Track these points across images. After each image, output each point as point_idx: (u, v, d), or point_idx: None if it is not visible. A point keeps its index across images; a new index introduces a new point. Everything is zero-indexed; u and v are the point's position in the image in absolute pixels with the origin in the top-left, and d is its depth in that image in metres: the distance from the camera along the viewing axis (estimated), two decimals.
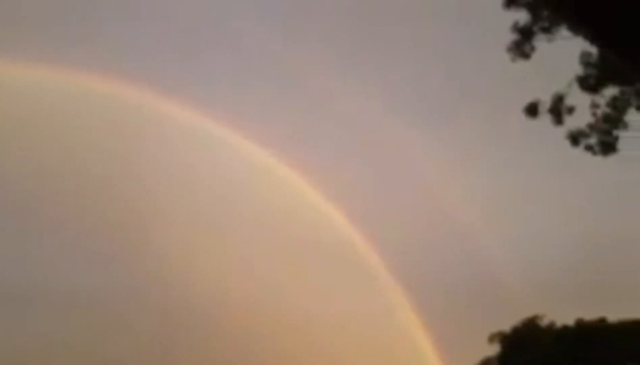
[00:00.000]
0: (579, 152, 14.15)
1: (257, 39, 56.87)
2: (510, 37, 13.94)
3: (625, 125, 13.44)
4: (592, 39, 4.33)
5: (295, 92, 59.89)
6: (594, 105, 13.96)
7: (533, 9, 13.42)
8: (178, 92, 53.20)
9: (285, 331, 53.30)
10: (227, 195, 57.93)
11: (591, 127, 13.52)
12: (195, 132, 54.38)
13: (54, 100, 51.47)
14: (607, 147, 13.51)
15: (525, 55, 14.01)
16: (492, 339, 40.66)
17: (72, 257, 55.04)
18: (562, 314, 38.86)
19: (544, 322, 40.02)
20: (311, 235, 57.23)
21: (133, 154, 56.39)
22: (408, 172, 58.27)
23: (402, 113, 57.70)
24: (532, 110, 14.30)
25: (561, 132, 14.18)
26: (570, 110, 14.08)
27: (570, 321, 38.05)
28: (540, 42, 13.84)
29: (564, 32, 12.77)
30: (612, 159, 14.05)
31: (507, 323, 40.65)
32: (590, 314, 37.21)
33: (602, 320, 36.96)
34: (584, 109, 14.21)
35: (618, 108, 13.42)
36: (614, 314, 36.84)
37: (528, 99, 14.77)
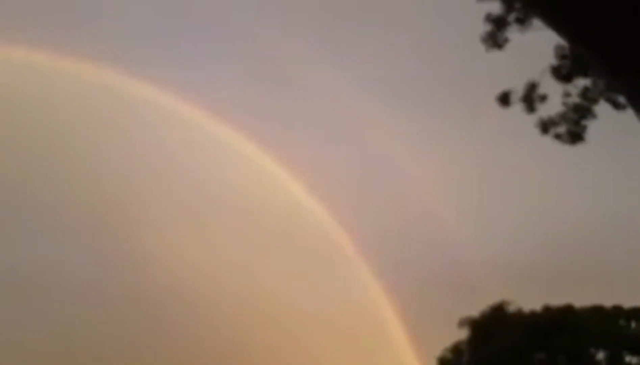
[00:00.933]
0: (549, 141, 14.41)
1: (237, 25, 56.63)
2: (484, 27, 14.05)
3: (594, 116, 13.69)
4: (561, 32, 4.46)
5: (272, 77, 59.73)
6: (566, 95, 14.17)
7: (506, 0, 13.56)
8: (157, 77, 52.84)
9: (262, 322, 53.42)
10: (207, 184, 57.71)
11: (561, 116, 13.74)
12: (175, 118, 54.08)
13: (28, 83, 50.81)
14: (575, 136, 13.75)
15: (499, 46, 14.14)
16: (461, 324, 41.15)
17: (52, 245, 54.60)
18: (529, 300, 39.55)
19: (512, 308, 40.61)
20: (286, 225, 57.30)
21: (112, 141, 55.91)
22: (383, 161, 58.50)
23: (379, 103, 57.85)
24: (504, 99, 14.47)
25: (532, 121, 14.41)
26: (543, 98, 14.26)
27: (537, 307, 38.71)
28: (514, 33, 13.98)
29: (537, 23, 12.94)
30: (580, 147, 14.31)
31: (476, 309, 41.27)
32: (556, 301, 37.92)
33: (569, 307, 37.58)
34: (557, 98, 14.43)
35: (588, 98, 13.66)
36: (580, 301, 37.61)
37: (502, 88, 14.96)
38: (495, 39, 14.03)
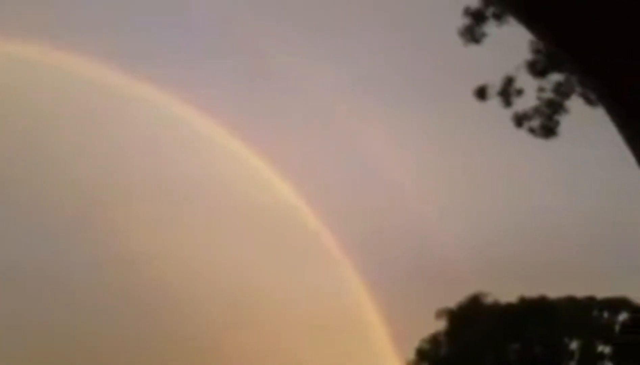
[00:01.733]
0: (524, 135, 14.61)
1: (226, 21, 56.27)
2: (463, 21, 14.14)
3: (565, 111, 13.90)
4: (532, 30, 4.57)
5: (261, 74, 59.51)
6: (540, 90, 14.36)
7: None
8: (148, 73, 52.39)
9: (248, 320, 53.40)
10: (197, 182, 57.37)
11: (535, 110, 13.94)
12: (166, 115, 53.72)
13: (20, 76, 50.15)
14: (548, 130, 13.97)
15: (476, 40, 14.24)
16: (439, 315, 41.51)
17: (30, 235, 54.05)
18: (505, 292, 39.99)
19: (488, 300, 41.05)
20: (272, 222, 57.23)
21: (102, 137, 55.39)
22: (360, 149, 58.52)
23: (364, 100, 57.88)
24: (481, 93, 14.63)
25: (508, 114, 14.59)
26: (519, 92, 14.44)
27: (512, 298, 39.17)
28: (492, 28, 14.09)
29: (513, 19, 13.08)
30: (555, 141, 14.53)
31: (453, 300, 41.63)
32: (531, 292, 38.38)
33: (543, 298, 38.05)
34: (533, 92, 14.61)
35: (561, 94, 13.86)
36: (554, 292, 38.10)
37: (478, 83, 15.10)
38: (472, 33, 14.11)
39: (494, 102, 14.65)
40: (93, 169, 55.29)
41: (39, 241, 54.24)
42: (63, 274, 53.05)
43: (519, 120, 13.98)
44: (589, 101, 12.94)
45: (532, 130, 13.95)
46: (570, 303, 37.53)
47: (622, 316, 37.25)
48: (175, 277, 54.28)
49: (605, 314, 37.68)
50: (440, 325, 41.80)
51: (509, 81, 14.26)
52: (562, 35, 4.09)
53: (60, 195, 55.56)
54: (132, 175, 56.32)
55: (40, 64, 50.07)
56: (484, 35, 14.13)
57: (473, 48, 14.38)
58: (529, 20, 4.64)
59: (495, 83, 14.47)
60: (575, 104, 14.26)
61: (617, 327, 37.14)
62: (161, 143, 57.04)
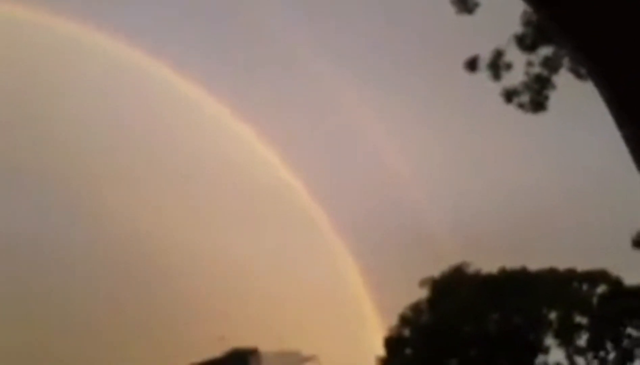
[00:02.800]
0: (512, 109, 14.48)
1: None
2: None
3: (554, 86, 13.77)
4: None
5: (251, 51, 58.85)
6: (529, 64, 14.20)
7: None
8: (141, 41, 51.61)
9: (224, 279, 53.52)
10: (190, 157, 56.99)
11: (524, 85, 13.80)
12: (142, 74, 52.98)
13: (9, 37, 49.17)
14: (537, 105, 13.85)
15: (469, 10, 13.93)
16: (422, 283, 41.83)
17: (26, 206, 53.57)
18: (486, 263, 40.33)
19: (470, 270, 41.39)
20: (251, 185, 57.14)
21: (95, 103, 54.65)
22: (352, 130, 58.43)
23: (350, 74, 57.44)
24: (471, 64, 14.43)
25: (497, 89, 14.43)
26: (509, 66, 14.25)
27: (494, 269, 39.49)
28: None
29: None
30: (541, 116, 14.43)
31: (436, 270, 41.95)
32: (512, 263, 38.70)
33: (523, 269, 38.37)
34: (522, 66, 14.43)
35: (550, 68, 13.72)
36: (534, 264, 38.42)
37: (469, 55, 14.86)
38: (465, 2, 13.78)
39: (483, 79, 14.47)
40: (93, 141, 54.80)
41: (35, 212, 53.93)
42: (59, 245, 52.86)
43: (509, 95, 13.84)
44: (579, 75, 12.81)
45: (521, 106, 13.83)
46: (551, 275, 37.89)
47: (601, 289, 37.71)
48: (171, 251, 54.23)
49: (585, 287, 38.12)
50: (423, 293, 42.27)
51: (498, 54, 14.07)
52: (558, 7, 3.93)
53: (59, 167, 55.11)
54: (132, 149, 55.93)
55: (43, 29, 49.22)
56: (476, 5, 13.82)
57: (465, 23, 14.14)
58: None
59: (485, 56, 14.27)
60: (565, 78, 14.15)
61: (595, 300, 37.63)
62: (163, 118, 56.61)
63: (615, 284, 37.14)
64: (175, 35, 57.99)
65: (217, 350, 39.32)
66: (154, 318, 51.17)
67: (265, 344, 38.31)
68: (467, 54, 14.57)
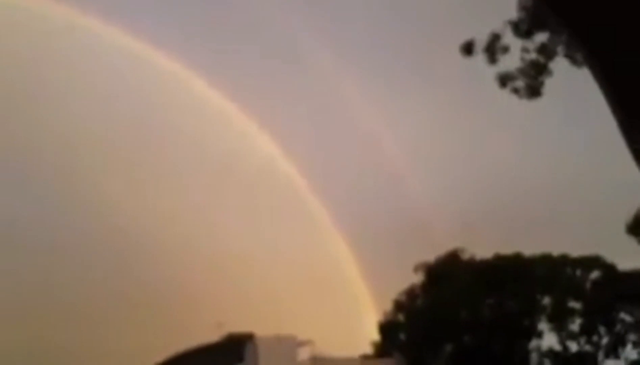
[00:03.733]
0: (507, 97, 14.29)
1: None
2: None
3: (550, 72, 13.59)
4: None
5: (244, 29, 58.41)
6: (525, 50, 14.01)
7: None
8: (131, 21, 51.14)
9: (222, 266, 53.44)
10: (183, 140, 56.66)
11: (519, 71, 13.62)
12: (141, 64, 52.60)
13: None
14: (533, 91, 13.67)
15: None
16: (417, 269, 41.85)
17: (12, 186, 53.17)
18: (481, 249, 40.32)
19: (465, 256, 41.41)
20: (248, 174, 56.93)
21: (73, 86, 54.18)
22: (343, 110, 58.12)
23: (343, 59, 57.07)
24: (467, 48, 14.22)
25: (491, 72, 14.22)
26: (505, 50, 14.04)
27: (488, 255, 39.50)
28: None
29: None
30: (536, 103, 14.26)
31: (431, 255, 41.94)
32: (506, 249, 38.69)
33: (517, 255, 38.40)
34: (518, 52, 14.22)
35: (546, 54, 13.54)
36: (528, 250, 38.44)
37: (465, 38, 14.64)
38: None
39: (477, 62, 14.27)
40: (91, 130, 54.42)
41: (33, 202, 53.60)
42: (57, 234, 52.62)
43: (503, 80, 13.64)
44: (575, 62, 12.63)
45: (516, 91, 13.64)
46: (545, 261, 37.91)
47: (594, 274, 37.76)
48: (168, 240, 54.02)
49: (578, 272, 38.16)
50: (418, 279, 42.30)
51: (495, 38, 13.87)
52: None
53: (57, 157, 54.77)
54: (131, 139, 55.57)
55: (39, 16, 48.67)
56: None
57: (461, 8, 13.95)
58: None
59: (482, 40, 14.06)
60: (560, 65, 13.97)
61: (588, 285, 37.70)
62: (162, 108, 56.19)
63: (608, 269, 37.17)
64: (176, 25, 57.49)
65: (214, 336, 39.35)
66: (151, 304, 51.15)
67: (261, 330, 38.29)
68: (463, 39, 14.37)
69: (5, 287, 48.49)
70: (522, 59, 13.54)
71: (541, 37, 13.66)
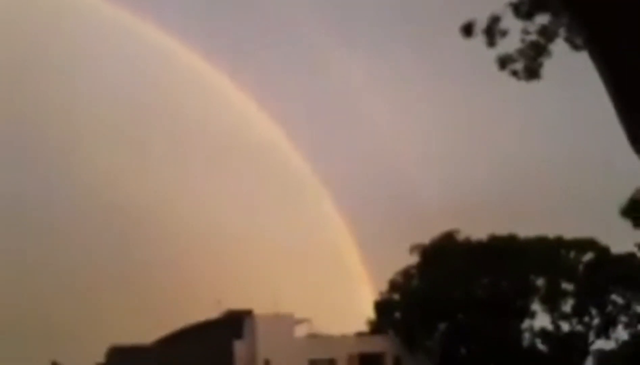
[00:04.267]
0: (505, 80, 14.27)
1: None
2: None
3: (549, 54, 13.56)
4: None
5: (239, 5, 58.06)
6: (525, 32, 13.98)
7: None
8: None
9: (218, 242, 53.53)
10: (159, 104, 56.43)
11: (519, 52, 13.58)
12: (134, 37, 52.29)
13: None
14: (532, 73, 13.63)
15: None
16: (412, 250, 42.00)
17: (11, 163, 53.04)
18: (476, 230, 40.46)
19: (460, 237, 41.55)
20: (237, 142, 56.87)
21: (72, 60, 53.91)
22: (346, 93, 58.00)
23: (342, 32, 56.84)
24: (467, 29, 14.17)
25: (490, 60, 14.21)
26: (504, 33, 14.00)
27: (483, 236, 39.66)
28: None
29: None
30: (533, 86, 14.25)
31: (427, 236, 42.09)
32: (501, 231, 38.79)
33: (512, 236, 38.53)
34: (518, 33, 14.18)
35: (546, 36, 13.51)
36: (523, 231, 38.57)
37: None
38: None
39: (476, 46, 14.23)
40: (79, 100, 54.21)
41: (23, 170, 53.52)
42: (54, 208, 52.64)
43: (503, 62, 13.61)
44: (574, 45, 12.63)
45: (515, 73, 13.61)
46: (539, 242, 38.04)
47: (588, 256, 37.96)
48: (168, 216, 54.11)
49: (572, 254, 38.34)
50: (413, 260, 42.49)
51: (494, 20, 13.82)
52: None
53: (53, 130, 54.60)
54: (125, 111, 55.38)
55: None
56: None
57: None
58: None
59: (482, 22, 14.01)
60: (560, 47, 13.97)
61: (581, 267, 37.92)
62: (160, 82, 55.94)
63: (602, 252, 37.37)
64: (176, 2, 57.16)
65: (214, 313, 39.65)
66: (151, 281, 51.36)
67: (260, 308, 38.59)
68: (463, 20, 14.31)
69: (8, 264, 48.63)
70: (522, 40, 13.52)
71: (542, 19, 13.64)
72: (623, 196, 25.07)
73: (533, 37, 13.58)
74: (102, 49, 54.57)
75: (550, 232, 38.40)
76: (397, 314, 41.72)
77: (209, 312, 39.65)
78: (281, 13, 54.60)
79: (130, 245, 51.87)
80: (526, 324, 38.79)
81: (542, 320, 38.27)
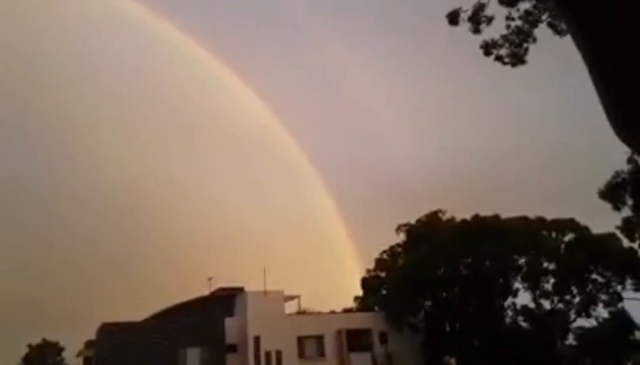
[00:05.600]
0: (490, 65, 14.25)
1: None
2: None
3: (534, 39, 13.55)
4: None
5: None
6: (509, 18, 13.96)
7: None
8: None
9: (206, 218, 53.55)
10: (144, 80, 56.02)
11: (504, 38, 13.56)
12: (133, 21, 51.75)
13: None
14: (517, 58, 13.63)
15: None
16: (398, 229, 42.25)
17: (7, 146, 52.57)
18: (460, 210, 40.72)
19: (445, 216, 41.78)
20: (230, 125, 56.69)
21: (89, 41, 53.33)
22: (335, 76, 57.82)
23: (332, 16, 56.49)
24: (453, 17, 14.15)
25: (476, 42, 14.18)
26: (490, 20, 13.98)
27: (467, 216, 39.84)
28: None
29: None
30: (516, 71, 14.24)
31: (412, 217, 42.33)
32: (485, 211, 39.06)
33: (495, 217, 38.76)
34: (502, 22, 14.15)
35: (530, 22, 13.49)
36: (506, 212, 38.84)
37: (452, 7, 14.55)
38: None
39: (462, 30, 14.20)
40: (76, 82, 53.72)
41: (23, 150, 53.16)
42: (43, 180, 52.31)
43: (488, 48, 13.61)
44: (557, 31, 12.63)
45: (499, 58, 13.61)
46: (521, 222, 38.27)
47: (568, 236, 38.24)
48: (151, 190, 53.95)
49: (553, 234, 38.62)
50: (400, 239, 42.71)
51: (480, 7, 13.78)
52: None
53: (52, 113, 54.11)
54: (124, 94, 54.94)
55: None
56: None
57: None
58: None
59: (467, 10, 13.98)
60: (543, 32, 13.94)
61: (562, 247, 38.20)
62: (159, 68, 55.49)
63: (582, 232, 37.65)
64: None
65: (206, 290, 39.73)
66: (144, 259, 51.35)
67: (250, 285, 38.70)
68: (449, 7, 14.27)
69: (7, 242, 48.42)
70: (507, 26, 13.50)
71: (526, 5, 13.61)
72: (602, 179, 25.17)
73: (517, 22, 13.59)
74: (112, 40, 54.10)
75: (532, 212, 38.72)
76: (384, 291, 41.99)
77: (201, 289, 39.77)
78: (281, 10, 54.27)
79: (124, 225, 51.78)
80: (509, 301, 39.14)
81: (524, 298, 38.65)
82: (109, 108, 54.76)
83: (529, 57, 13.91)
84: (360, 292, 43.98)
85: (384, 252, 43.35)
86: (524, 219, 38.58)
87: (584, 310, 37.30)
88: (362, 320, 39.76)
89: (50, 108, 53.70)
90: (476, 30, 13.69)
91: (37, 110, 53.58)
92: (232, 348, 36.39)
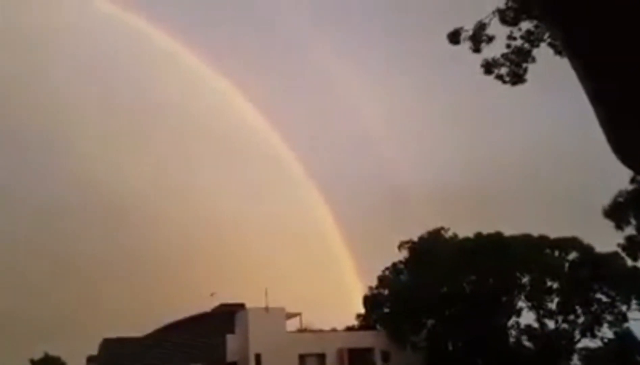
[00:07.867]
0: (491, 81, 14.08)
1: None
2: None
3: (534, 59, 13.40)
4: None
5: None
6: (510, 37, 13.83)
7: None
8: None
9: (207, 233, 53.27)
10: (137, 87, 55.97)
11: (504, 57, 13.41)
12: (120, 25, 51.82)
13: None
14: (517, 77, 13.48)
15: None
16: (401, 246, 41.87)
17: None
18: (463, 228, 40.31)
19: (448, 234, 41.41)
20: (225, 132, 56.57)
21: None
22: (332, 85, 57.63)
23: (330, 26, 56.32)
24: (454, 36, 14.02)
25: (477, 60, 14.03)
26: (490, 39, 13.87)
27: (470, 234, 39.49)
28: None
29: None
30: (520, 88, 14.08)
31: (414, 234, 41.94)
32: (488, 229, 38.63)
33: (498, 234, 38.36)
34: (503, 41, 14.03)
35: (531, 42, 13.34)
36: (509, 230, 38.39)
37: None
38: None
39: (464, 46, 14.06)
40: (65, 87, 53.65)
41: (15, 159, 53.04)
42: (46, 200, 52.15)
43: (488, 67, 13.45)
44: (557, 51, 12.43)
45: (500, 77, 13.45)
46: (525, 241, 37.86)
47: (572, 255, 37.81)
48: (151, 203, 53.78)
49: (557, 253, 38.19)
50: (401, 255, 42.35)
51: (481, 27, 13.64)
52: None
53: (45, 122, 54.11)
54: (115, 102, 54.94)
55: None
56: None
57: None
58: None
59: (469, 28, 13.85)
60: (544, 52, 13.78)
61: (566, 265, 37.77)
62: (152, 74, 55.48)
63: (585, 251, 37.23)
64: None
65: (207, 306, 39.41)
66: (146, 275, 51.09)
67: (252, 302, 38.36)
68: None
69: (9, 255, 48.20)
70: (508, 46, 13.35)
71: (527, 25, 13.46)
72: (606, 198, 24.88)
73: (518, 42, 13.43)
74: (104, 46, 54.14)
75: (535, 230, 38.27)
76: (386, 309, 41.58)
77: (202, 305, 39.44)
78: (273, 11, 54.29)
79: (125, 239, 51.54)
80: (512, 320, 38.68)
81: (527, 317, 38.18)
82: (109, 116, 54.83)
83: (532, 72, 13.76)
84: (361, 307, 43.58)
85: (386, 269, 42.99)
86: (527, 237, 38.19)
87: (589, 330, 36.79)
88: (364, 339, 39.32)
89: (41, 117, 53.76)
90: (476, 50, 13.55)
91: (26, 119, 53.55)
92: None
